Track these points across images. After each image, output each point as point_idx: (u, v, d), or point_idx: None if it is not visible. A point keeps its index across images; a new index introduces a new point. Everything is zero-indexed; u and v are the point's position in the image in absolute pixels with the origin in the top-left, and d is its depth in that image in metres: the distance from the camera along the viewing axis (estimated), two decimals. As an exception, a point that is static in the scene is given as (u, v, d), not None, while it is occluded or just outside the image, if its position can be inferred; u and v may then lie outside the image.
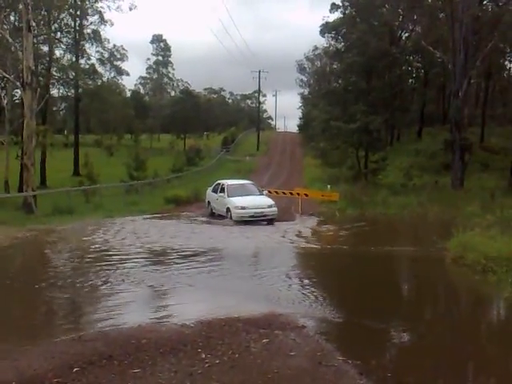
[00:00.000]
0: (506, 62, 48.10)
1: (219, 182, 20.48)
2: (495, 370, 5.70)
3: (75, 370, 4.89)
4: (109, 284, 8.79)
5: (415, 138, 47.77)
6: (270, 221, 17.60)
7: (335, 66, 41.73)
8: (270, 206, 17.73)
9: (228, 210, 18.03)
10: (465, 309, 8.84)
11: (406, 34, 42.67)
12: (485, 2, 32.31)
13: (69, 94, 43.84)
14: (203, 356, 5.33)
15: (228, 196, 18.41)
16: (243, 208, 17.46)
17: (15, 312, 7.40)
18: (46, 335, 6.20)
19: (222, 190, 19.09)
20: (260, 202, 17.94)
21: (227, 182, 19.93)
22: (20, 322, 6.91)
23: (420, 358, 5.92)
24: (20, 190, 25.32)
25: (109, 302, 7.83)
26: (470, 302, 9.18)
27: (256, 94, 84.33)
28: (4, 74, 24.17)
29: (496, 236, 11.23)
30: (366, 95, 33.17)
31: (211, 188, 20.68)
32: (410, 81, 47.86)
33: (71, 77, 39.62)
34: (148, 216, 20.17)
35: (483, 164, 35.01)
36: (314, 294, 8.39)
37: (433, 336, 6.71)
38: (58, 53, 39.64)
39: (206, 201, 20.97)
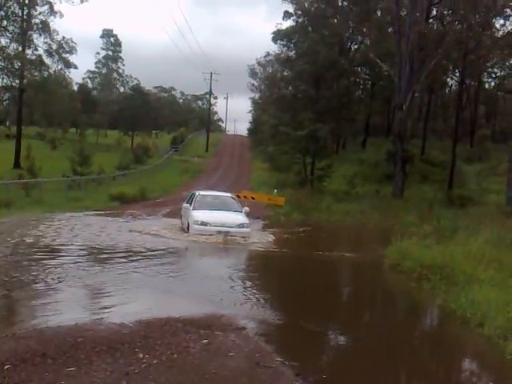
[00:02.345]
0: (448, 79, 50.29)
1: (195, 191, 17.42)
2: (426, 373, 5.95)
3: (7, 367, 4.74)
4: (44, 281, 8.51)
5: (360, 147, 49.15)
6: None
7: (286, 73, 42.27)
8: (240, 226, 14.62)
9: (189, 225, 14.98)
10: (400, 314, 9.16)
11: (356, 46, 43.88)
12: (431, 20, 33.64)
13: (13, 84, 42.30)
14: (141, 356, 5.27)
15: (193, 208, 15.27)
16: (204, 224, 14.30)
17: None
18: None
19: (190, 201, 16.08)
20: (229, 219, 14.78)
21: (199, 192, 17.01)
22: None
23: (355, 361, 6.10)
24: (-45, 181, 24.20)
25: (44, 300, 7.61)
26: (405, 307, 9.52)
27: (207, 96, 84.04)
28: None
29: (432, 245, 11.70)
30: (315, 103, 33.80)
31: (187, 199, 17.26)
32: (357, 92, 49.21)
33: (16, 67, 38.25)
34: (90, 213, 19.72)
35: (423, 175, 36.44)
36: (256, 296, 8.47)
37: (368, 339, 6.92)
38: (3, 41, 38.39)
39: (180, 214, 17.35)
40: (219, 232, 14.17)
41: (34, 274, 9.01)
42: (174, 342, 5.72)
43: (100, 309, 7.41)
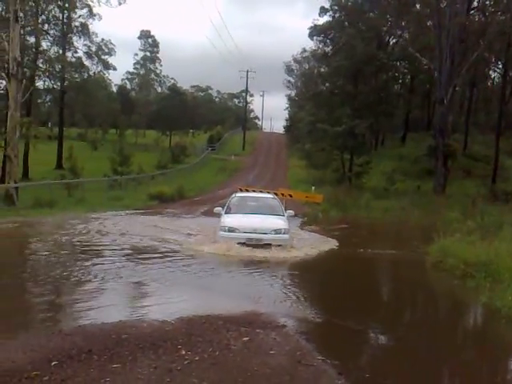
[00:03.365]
0: (491, 72, 48.88)
1: (235, 193, 15.98)
2: (470, 374, 5.80)
3: (54, 363, 4.86)
4: (89, 279, 8.74)
5: (399, 143, 48.33)
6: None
7: (323, 69, 41.95)
8: (277, 232, 12.45)
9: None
10: (443, 313, 8.95)
11: (394, 40, 43.18)
12: (472, 12, 32.74)
13: (54, 86, 43.44)
14: (183, 352, 5.33)
15: (225, 212, 13.53)
16: (231, 230, 12.35)
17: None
18: (25, 329, 6.15)
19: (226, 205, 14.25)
20: (265, 224, 12.62)
21: (235, 194, 15.44)
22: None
23: (397, 361, 5.99)
24: (2, 181, 25.04)
25: (89, 297, 7.78)
26: (448, 306, 9.29)
27: (243, 94, 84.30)
28: (-11, 64, 23.93)
29: (476, 242, 11.38)
30: (353, 99, 33.45)
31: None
32: (396, 86, 48.31)
33: (57, 69, 39.26)
34: (131, 212, 20.08)
35: (465, 171, 35.55)
36: (296, 294, 8.44)
37: (410, 339, 6.79)
38: (44, 44, 39.39)
39: None
40: (249, 239, 12.15)
41: (77, 272, 9.24)
42: (215, 340, 5.76)
43: (142, 306, 7.55)
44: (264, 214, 13.42)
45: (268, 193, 18.06)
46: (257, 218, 13.02)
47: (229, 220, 12.83)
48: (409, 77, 48.42)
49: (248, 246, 11.96)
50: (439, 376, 5.79)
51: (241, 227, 12.40)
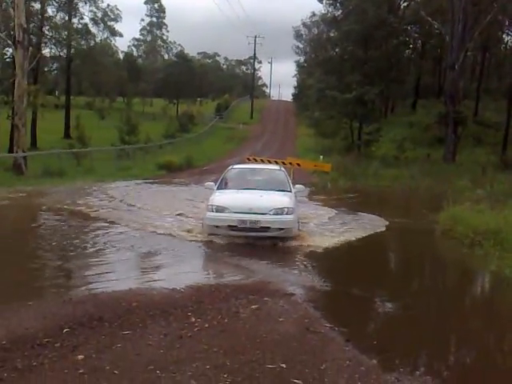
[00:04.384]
0: (504, 35, 47.74)
1: (232, 165, 12.81)
2: (478, 341, 5.83)
3: (65, 330, 4.94)
4: (99, 248, 8.83)
5: (409, 110, 47.71)
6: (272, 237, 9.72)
7: (332, 34, 41.17)
8: (277, 212, 9.73)
9: None
10: (451, 281, 8.98)
11: (405, 4, 42.13)
12: (486, -27, 31.81)
13: (61, 54, 43.03)
14: (193, 320, 5.40)
15: (218, 188, 10.94)
16: (220, 210, 9.76)
17: (5, 273, 7.40)
18: (36, 297, 6.23)
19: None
20: (263, 202, 9.95)
21: (233, 166, 12.53)
22: (10, 283, 6.93)
23: (405, 328, 6.03)
24: (10, 150, 25.12)
25: (99, 265, 7.87)
26: (457, 274, 9.31)
27: (251, 60, 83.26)
28: (-6, 31, 23.69)
29: (485, 210, 11.36)
30: (362, 65, 32.89)
31: None
32: (407, 52, 47.43)
33: (64, 36, 38.81)
34: (139, 181, 20.13)
35: (476, 138, 35.14)
36: (304, 263, 8.47)
37: (418, 306, 6.82)
38: (50, 11, 38.77)
39: None
40: (242, 221, 9.52)
41: (89, 240, 9.33)
42: (224, 307, 5.83)
43: (152, 273, 7.63)
44: (265, 189, 10.76)
45: (276, 163, 17.01)
46: (254, 194, 10.39)
47: (218, 197, 10.24)
48: (420, 42, 47.50)
49: (239, 230, 9.55)
50: (447, 343, 5.83)
51: (232, 206, 9.78)
